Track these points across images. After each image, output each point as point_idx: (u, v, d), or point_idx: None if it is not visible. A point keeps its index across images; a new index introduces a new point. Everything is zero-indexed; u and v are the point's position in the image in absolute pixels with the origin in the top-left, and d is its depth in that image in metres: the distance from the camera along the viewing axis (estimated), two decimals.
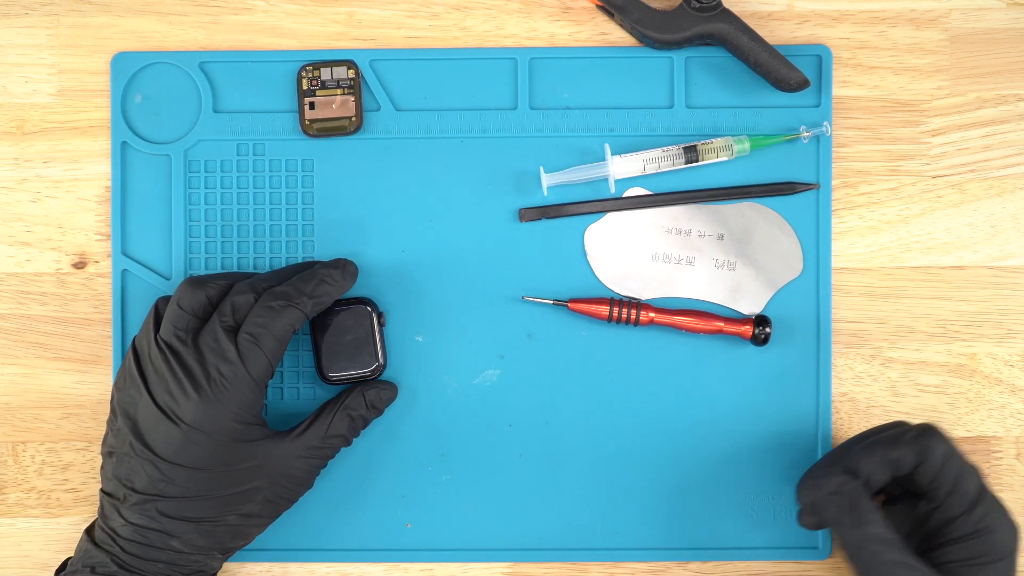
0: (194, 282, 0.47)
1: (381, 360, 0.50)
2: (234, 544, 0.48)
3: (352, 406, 0.49)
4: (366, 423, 0.50)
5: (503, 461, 0.52)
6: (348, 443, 0.49)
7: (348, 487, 0.52)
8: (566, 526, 0.52)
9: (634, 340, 0.52)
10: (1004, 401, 0.53)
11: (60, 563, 0.49)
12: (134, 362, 0.46)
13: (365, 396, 0.49)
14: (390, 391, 0.50)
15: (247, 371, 0.45)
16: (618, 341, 0.52)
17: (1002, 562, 0.44)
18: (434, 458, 0.52)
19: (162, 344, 0.45)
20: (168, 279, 0.52)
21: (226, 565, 0.52)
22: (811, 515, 0.47)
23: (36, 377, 0.53)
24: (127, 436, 0.45)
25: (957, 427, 0.53)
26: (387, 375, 0.51)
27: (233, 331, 0.45)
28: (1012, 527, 0.45)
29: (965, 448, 0.53)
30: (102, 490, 0.47)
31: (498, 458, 0.52)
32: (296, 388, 0.52)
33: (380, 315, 0.50)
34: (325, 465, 0.49)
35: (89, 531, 0.47)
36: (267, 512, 0.47)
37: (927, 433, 0.45)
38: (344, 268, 0.48)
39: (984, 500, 0.45)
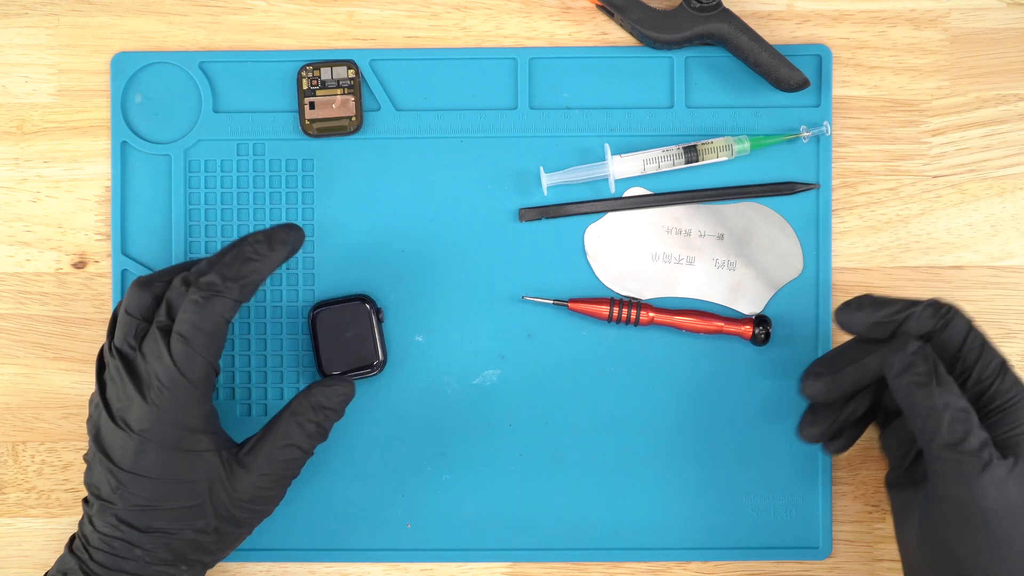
0: (140, 283, 0.45)
1: (381, 356, 0.50)
2: (198, 558, 0.46)
3: (297, 411, 0.46)
4: (321, 428, 0.46)
5: (503, 461, 0.52)
6: (306, 453, 0.46)
7: (348, 487, 0.52)
8: (566, 526, 0.52)
9: (634, 340, 0.52)
10: None
11: None
12: (96, 372, 0.46)
13: (309, 398, 0.46)
14: (339, 386, 0.46)
15: (182, 374, 0.43)
16: (618, 341, 0.52)
17: None
18: (434, 458, 0.52)
19: (115, 351, 0.45)
20: None
21: (226, 565, 0.52)
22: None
23: (36, 377, 0.53)
24: (92, 444, 0.45)
25: None
26: (387, 374, 0.51)
27: (168, 331, 0.44)
28: None
29: None
30: (83, 499, 0.47)
31: (498, 458, 0.52)
32: (296, 387, 0.52)
33: (379, 311, 0.50)
34: (288, 478, 0.46)
35: (72, 538, 0.47)
36: (224, 529, 0.45)
37: (936, 304, 0.44)
38: (270, 237, 0.45)
39: (1007, 370, 0.43)
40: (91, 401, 0.46)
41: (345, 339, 0.50)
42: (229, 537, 0.46)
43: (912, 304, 0.44)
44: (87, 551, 0.45)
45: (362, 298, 0.50)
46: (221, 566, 0.52)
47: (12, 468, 0.53)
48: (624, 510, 0.52)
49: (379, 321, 0.50)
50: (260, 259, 0.45)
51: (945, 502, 0.42)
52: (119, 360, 0.44)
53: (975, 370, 0.43)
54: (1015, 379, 0.43)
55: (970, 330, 0.44)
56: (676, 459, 0.52)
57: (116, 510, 0.44)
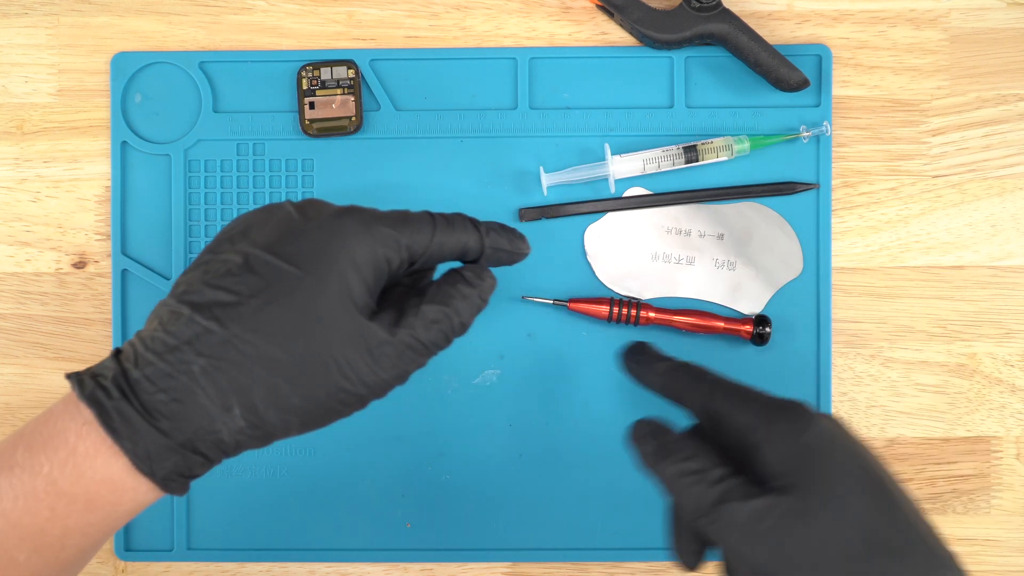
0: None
1: None
2: (252, 406, 0.34)
3: (471, 280, 0.38)
4: (481, 302, 0.39)
5: (503, 461, 0.52)
6: (454, 334, 0.38)
7: (348, 487, 0.52)
8: (566, 526, 0.52)
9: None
10: (1004, 401, 0.53)
11: None
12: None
13: (464, 274, 0.39)
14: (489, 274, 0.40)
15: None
16: (618, 341, 0.52)
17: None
18: (434, 458, 0.52)
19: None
20: (168, 279, 0.52)
21: (226, 565, 0.52)
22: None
23: (36, 377, 0.53)
24: (233, 234, 0.36)
25: (957, 427, 0.53)
26: None
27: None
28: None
29: (965, 448, 0.53)
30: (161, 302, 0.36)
31: (498, 458, 0.52)
32: None
33: None
34: (401, 373, 0.37)
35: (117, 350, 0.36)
36: (296, 390, 0.34)
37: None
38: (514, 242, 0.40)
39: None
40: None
41: None
42: (297, 421, 0.35)
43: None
44: (134, 350, 0.35)
45: None
46: (221, 566, 0.52)
47: None
48: (624, 510, 0.52)
49: None
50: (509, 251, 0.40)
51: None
52: None
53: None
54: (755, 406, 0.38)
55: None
56: None
57: (211, 304, 0.34)
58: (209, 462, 0.35)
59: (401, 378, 0.37)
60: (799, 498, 0.34)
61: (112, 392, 0.33)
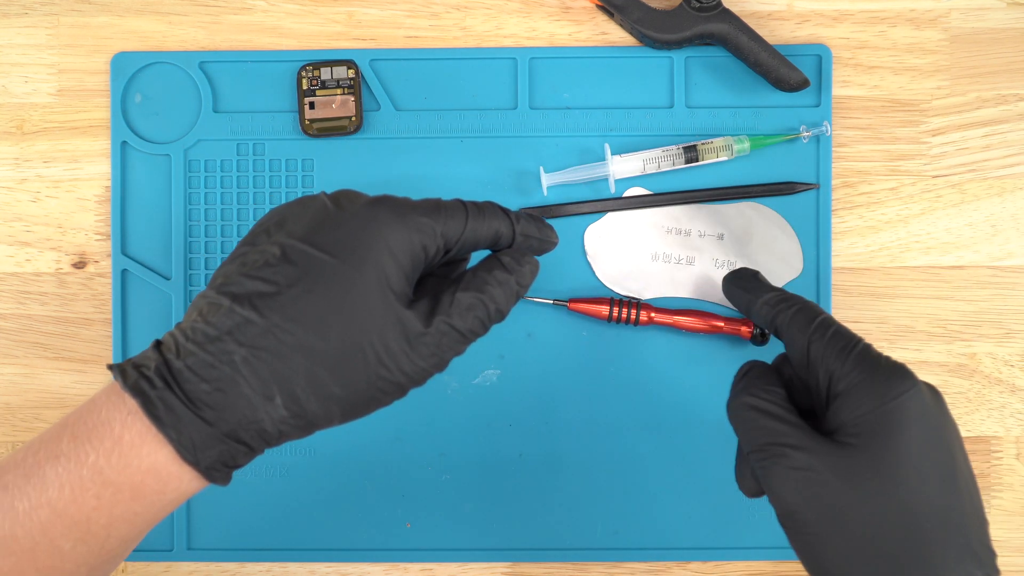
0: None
1: None
2: (293, 395, 0.34)
3: (511, 267, 0.38)
4: (521, 291, 0.39)
5: (503, 461, 0.52)
6: (490, 323, 0.38)
7: (348, 487, 0.52)
8: (566, 526, 0.52)
9: (634, 340, 0.52)
10: (1004, 401, 0.53)
11: None
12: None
13: (502, 259, 0.39)
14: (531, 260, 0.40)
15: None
16: (618, 341, 0.52)
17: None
18: (434, 458, 0.52)
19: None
20: (168, 279, 0.52)
21: (226, 565, 0.52)
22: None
23: (36, 377, 0.53)
24: (269, 226, 0.37)
25: None
26: None
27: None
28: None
29: (965, 448, 0.53)
30: (199, 294, 0.36)
31: (498, 458, 0.52)
32: None
33: None
34: (439, 361, 0.37)
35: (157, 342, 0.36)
36: (336, 378, 0.35)
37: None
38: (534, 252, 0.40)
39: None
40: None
41: None
42: (339, 410, 0.36)
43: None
44: (174, 341, 0.35)
45: None
46: (221, 566, 0.52)
47: None
48: (624, 510, 0.52)
49: None
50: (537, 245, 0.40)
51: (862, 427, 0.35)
52: None
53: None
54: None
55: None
56: (676, 459, 0.52)
57: (255, 291, 0.34)
58: (252, 451, 0.35)
59: (440, 366, 0.37)
60: (857, 458, 0.35)
61: (156, 382, 0.34)
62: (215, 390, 0.34)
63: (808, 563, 0.37)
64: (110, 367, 0.35)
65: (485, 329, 0.38)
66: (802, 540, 0.36)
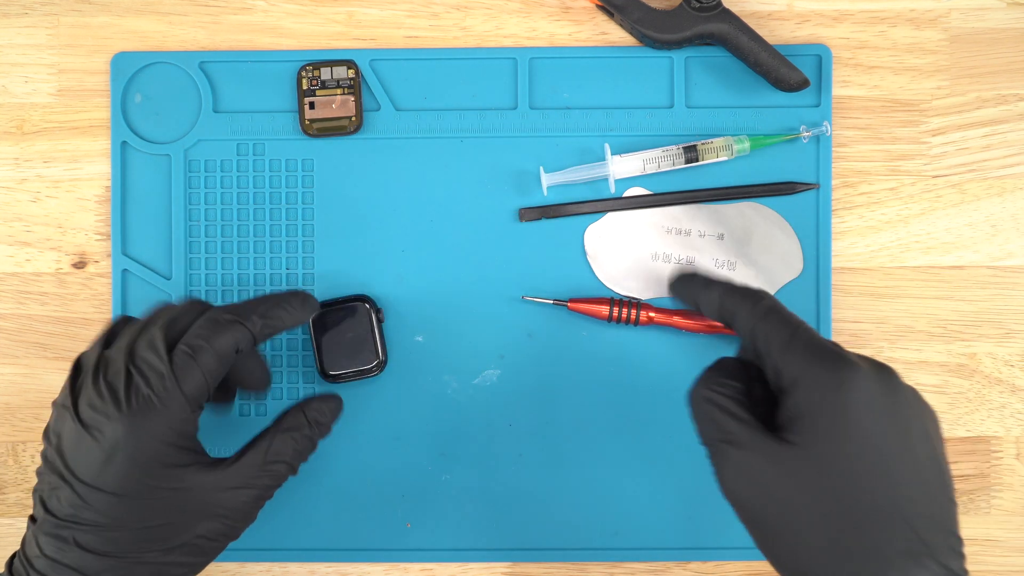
0: (165, 306, 0.43)
1: (381, 356, 0.50)
2: None
3: (293, 426, 0.44)
4: (312, 444, 0.45)
5: (503, 461, 0.52)
6: (293, 470, 0.44)
7: (348, 487, 0.52)
8: (566, 526, 0.52)
9: (634, 340, 0.52)
10: (1004, 401, 0.53)
11: None
12: (70, 378, 0.41)
13: (306, 413, 0.44)
14: (333, 402, 0.46)
15: (179, 387, 0.40)
16: (618, 341, 0.52)
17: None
18: (434, 458, 0.52)
19: (102, 358, 0.41)
20: (168, 279, 0.52)
21: (226, 565, 0.52)
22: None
23: (36, 377, 0.53)
24: (51, 453, 0.40)
25: (957, 427, 0.53)
26: (388, 374, 0.52)
27: (172, 344, 0.41)
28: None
29: (965, 448, 0.53)
30: (30, 515, 0.41)
31: (498, 458, 0.52)
32: (296, 387, 0.52)
33: (378, 311, 0.50)
34: (269, 496, 0.43)
35: (12, 557, 0.42)
36: (193, 554, 0.41)
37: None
38: (304, 300, 0.45)
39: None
40: (56, 405, 0.41)
41: (345, 339, 0.50)
42: (189, 565, 0.42)
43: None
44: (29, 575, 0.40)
45: (362, 298, 0.50)
46: (221, 566, 0.52)
47: (12, 468, 0.53)
48: (624, 510, 0.52)
49: (379, 321, 0.50)
50: (288, 312, 0.44)
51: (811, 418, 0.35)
52: (106, 365, 0.41)
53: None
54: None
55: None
56: (676, 459, 0.52)
57: (70, 530, 0.39)
58: None
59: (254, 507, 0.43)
60: (800, 455, 0.35)
61: None
62: None
63: (765, 555, 0.37)
64: None
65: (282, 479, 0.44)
66: (754, 533, 0.37)
